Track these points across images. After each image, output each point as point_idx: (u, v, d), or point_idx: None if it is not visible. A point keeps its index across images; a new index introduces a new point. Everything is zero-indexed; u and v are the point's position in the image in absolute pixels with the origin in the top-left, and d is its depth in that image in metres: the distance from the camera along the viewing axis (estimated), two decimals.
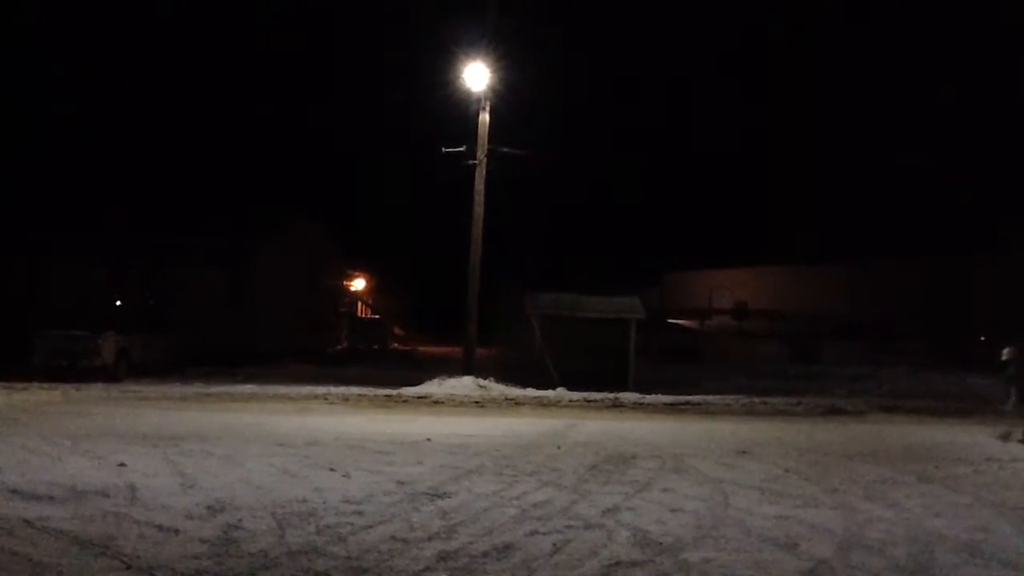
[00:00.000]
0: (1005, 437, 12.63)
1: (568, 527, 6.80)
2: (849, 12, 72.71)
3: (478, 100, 20.90)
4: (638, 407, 17.16)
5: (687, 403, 17.78)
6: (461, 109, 21.27)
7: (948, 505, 8.06)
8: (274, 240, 29.32)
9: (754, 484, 8.78)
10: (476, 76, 20.62)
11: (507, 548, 6.16)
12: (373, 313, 45.61)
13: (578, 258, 56.38)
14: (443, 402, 16.96)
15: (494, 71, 20.71)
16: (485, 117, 20.92)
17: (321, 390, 17.88)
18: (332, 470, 8.83)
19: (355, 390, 18.11)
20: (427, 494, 7.81)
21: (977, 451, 11.73)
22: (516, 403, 17.21)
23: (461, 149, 20.93)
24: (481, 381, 19.50)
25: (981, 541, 6.78)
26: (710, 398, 18.66)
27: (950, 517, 7.55)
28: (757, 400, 18.49)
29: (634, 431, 12.96)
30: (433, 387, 18.93)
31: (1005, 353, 13.35)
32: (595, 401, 17.64)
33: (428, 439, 11.29)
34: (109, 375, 19.13)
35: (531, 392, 18.63)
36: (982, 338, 36.58)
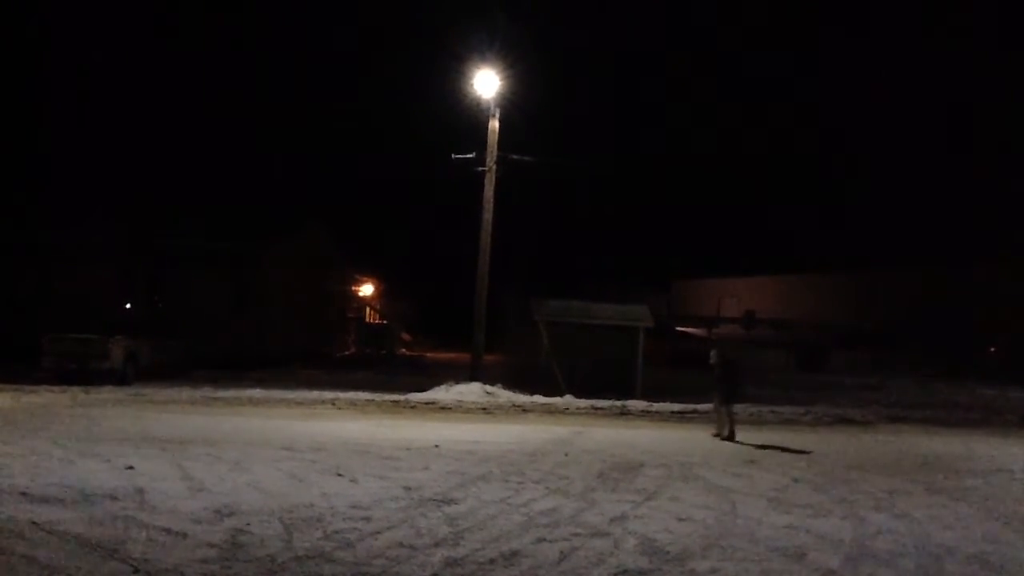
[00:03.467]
0: (717, 436, 13.42)
1: (575, 535, 6.79)
2: (852, 20, 72.63)
3: (488, 107, 20.92)
4: (645, 415, 17.13)
5: (695, 411, 17.73)
6: (471, 116, 21.31)
7: (957, 516, 8.03)
8: (282, 244, 29.40)
9: (762, 493, 8.76)
10: (486, 83, 20.66)
11: (514, 555, 6.16)
12: (381, 318, 45.66)
13: (586, 265, 56.46)
14: (450, 408, 16.96)
15: (503, 78, 20.74)
16: (494, 124, 20.93)
17: (329, 395, 17.89)
18: (339, 475, 8.84)
19: (363, 395, 18.12)
20: (434, 500, 7.81)
21: (986, 462, 11.69)
22: (523, 410, 17.20)
23: (471, 156, 20.95)
24: (488, 387, 19.49)
25: (990, 553, 6.75)
26: None
27: (959, 528, 7.52)
28: (765, 409, 18.43)
29: (641, 439, 12.94)
30: (440, 393, 18.93)
31: (712, 356, 13.78)
32: (602, 409, 17.61)
33: (436, 445, 11.30)
34: (118, 378, 19.18)
35: (538, 399, 18.62)
36: (992, 348, 36.47)
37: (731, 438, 13.16)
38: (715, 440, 13.16)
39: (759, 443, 12.85)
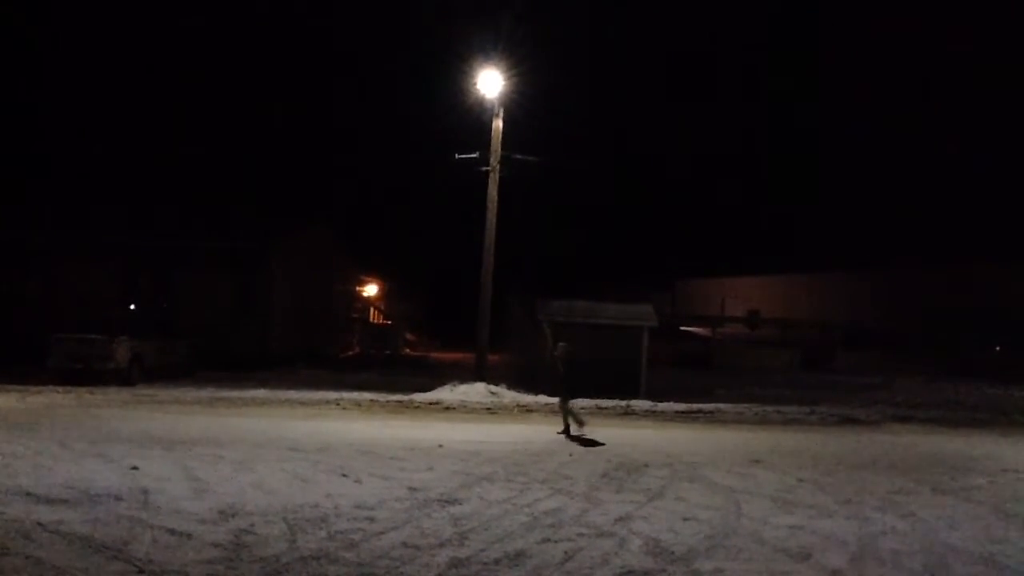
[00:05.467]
0: (564, 432, 13.13)
1: (580, 535, 6.79)
2: (853, 18, 72.58)
3: (491, 107, 20.91)
4: (650, 415, 17.11)
5: (699, 411, 17.71)
6: (475, 115, 21.29)
7: (963, 516, 8.00)
8: (287, 245, 29.41)
9: (767, 494, 8.74)
10: (490, 83, 20.64)
11: (519, 555, 6.15)
12: (385, 319, 45.69)
13: (590, 264, 56.45)
14: (455, 408, 16.96)
15: (508, 78, 20.73)
16: (498, 124, 20.93)
17: (333, 395, 17.91)
18: (344, 475, 8.84)
19: (367, 396, 18.13)
20: (439, 500, 7.81)
21: (992, 462, 11.65)
22: (528, 410, 17.20)
23: (474, 156, 20.94)
24: (493, 387, 19.49)
25: (997, 553, 6.72)
26: (722, 406, 18.58)
27: (965, 528, 7.49)
28: (770, 409, 18.41)
29: (646, 439, 12.92)
30: (445, 393, 18.93)
31: (558, 349, 13.70)
32: (607, 408, 17.60)
33: (440, 445, 11.30)
34: (122, 379, 19.21)
35: (543, 399, 18.60)
36: (997, 348, 36.40)
37: (567, 432, 13.06)
38: (579, 437, 12.73)
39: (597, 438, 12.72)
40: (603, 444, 12.10)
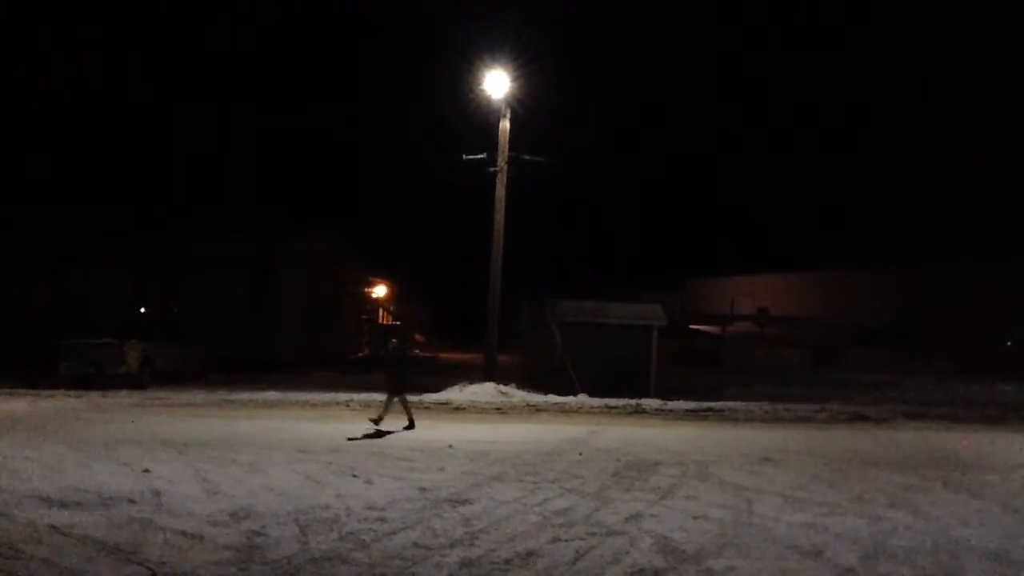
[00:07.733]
0: (376, 422, 13.32)
1: (590, 534, 6.78)
2: (856, 16, 72.28)
3: (498, 108, 20.92)
4: (660, 414, 17.09)
5: (709, 410, 17.68)
6: (482, 117, 21.31)
7: (975, 513, 7.97)
8: (297, 248, 29.50)
9: (778, 491, 8.72)
10: (497, 84, 20.66)
11: (529, 555, 6.15)
12: (394, 320, 45.77)
13: (600, 264, 56.47)
14: (465, 408, 16.97)
15: (515, 79, 20.74)
16: (506, 125, 20.94)
17: (343, 397, 17.94)
18: (355, 476, 8.86)
19: (377, 396, 18.11)
20: (449, 501, 7.82)
21: (1004, 459, 11.60)
22: (537, 410, 17.19)
23: (482, 156, 20.96)
24: (503, 387, 19.51)
25: (1009, 550, 6.69)
26: (732, 405, 18.55)
27: (977, 525, 7.46)
28: (780, 407, 18.36)
29: (656, 438, 12.91)
30: (455, 393, 18.96)
31: (391, 344, 13.80)
32: (616, 408, 17.59)
33: (450, 445, 11.32)
34: (134, 382, 19.31)
35: (552, 399, 18.62)
36: (1008, 343, 36.24)
37: (411, 426, 13.29)
38: (402, 430, 12.99)
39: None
40: (412, 434, 12.39)
